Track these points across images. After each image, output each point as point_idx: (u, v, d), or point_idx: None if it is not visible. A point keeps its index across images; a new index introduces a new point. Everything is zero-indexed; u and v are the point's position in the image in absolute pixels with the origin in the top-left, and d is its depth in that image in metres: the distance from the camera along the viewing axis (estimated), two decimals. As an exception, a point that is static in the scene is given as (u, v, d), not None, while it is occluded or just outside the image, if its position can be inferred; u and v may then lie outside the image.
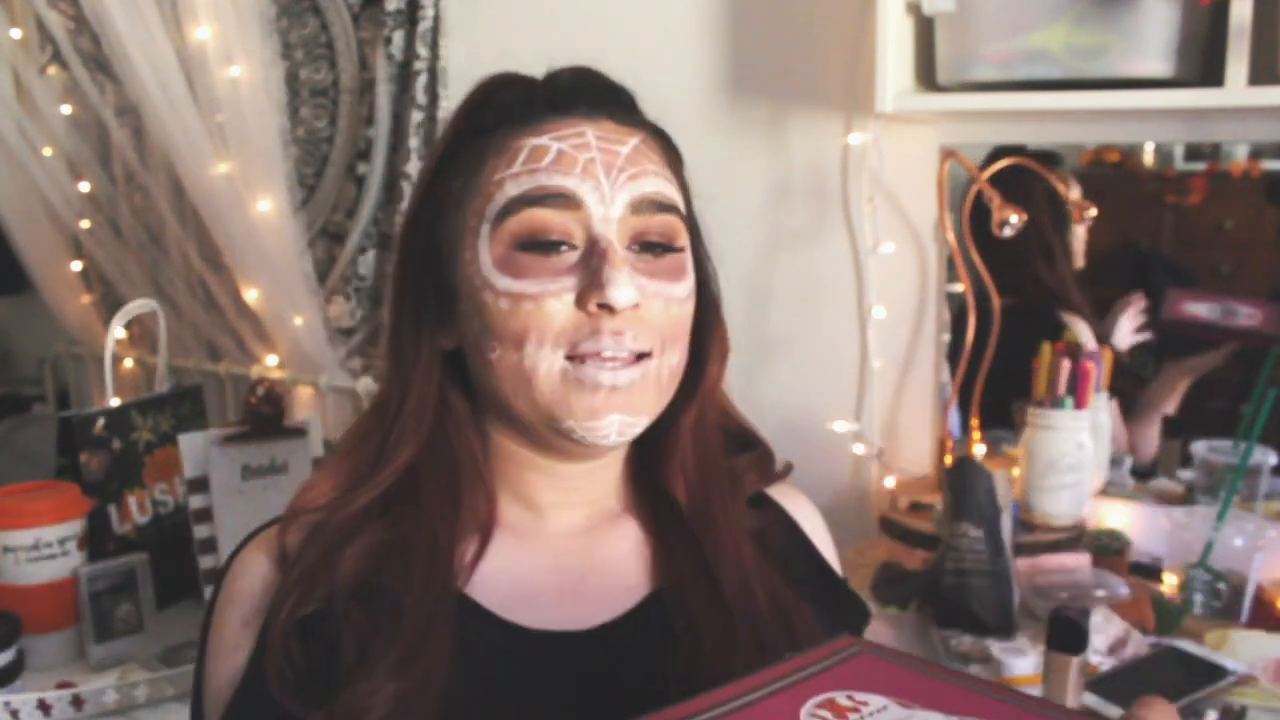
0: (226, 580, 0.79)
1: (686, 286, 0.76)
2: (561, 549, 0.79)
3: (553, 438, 0.74)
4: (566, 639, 0.75)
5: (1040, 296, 1.76)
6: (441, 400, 0.78)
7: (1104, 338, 1.73)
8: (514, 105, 0.75)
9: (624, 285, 0.70)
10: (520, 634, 0.74)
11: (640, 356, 0.72)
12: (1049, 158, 1.70)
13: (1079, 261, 1.73)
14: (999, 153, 1.67)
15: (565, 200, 0.72)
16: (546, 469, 0.78)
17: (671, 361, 0.75)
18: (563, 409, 0.72)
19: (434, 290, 0.77)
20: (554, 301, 0.71)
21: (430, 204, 0.78)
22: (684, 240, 0.76)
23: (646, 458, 0.82)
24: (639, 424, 0.74)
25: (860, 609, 0.89)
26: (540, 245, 0.72)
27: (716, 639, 0.75)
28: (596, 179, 0.72)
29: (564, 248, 0.72)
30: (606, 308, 0.70)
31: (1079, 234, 1.72)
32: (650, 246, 0.74)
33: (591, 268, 0.71)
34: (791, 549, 0.86)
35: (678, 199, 0.76)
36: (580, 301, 0.71)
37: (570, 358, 0.71)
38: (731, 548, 0.79)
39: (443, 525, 0.75)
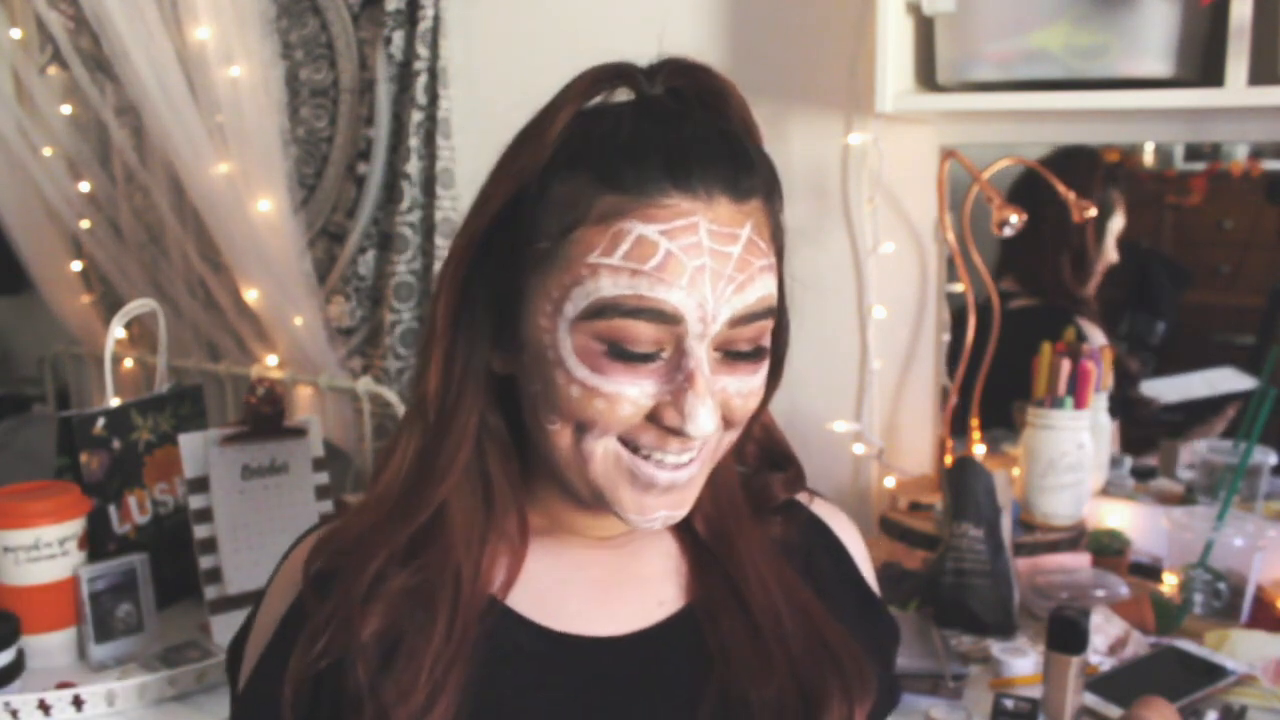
0: (285, 565, 0.79)
1: (765, 370, 0.73)
2: (595, 558, 0.79)
3: (598, 506, 0.72)
4: (594, 644, 0.75)
5: (1061, 297, 1.76)
6: (483, 427, 0.75)
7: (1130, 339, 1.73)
8: (618, 159, 0.66)
9: (705, 419, 0.66)
10: (549, 637, 0.74)
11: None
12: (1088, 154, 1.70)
13: (1112, 256, 1.73)
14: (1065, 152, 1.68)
15: (667, 317, 0.66)
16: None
17: (732, 437, 0.74)
18: (612, 496, 0.70)
19: (493, 322, 0.73)
20: (629, 406, 0.67)
21: (504, 236, 0.71)
22: (769, 333, 0.72)
23: None
24: (685, 511, 0.73)
25: (893, 631, 0.88)
26: (630, 356, 0.67)
27: (747, 659, 0.75)
28: (703, 294, 0.66)
29: (654, 356, 0.67)
30: (683, 434, 0.67)
31: (1112, 230, 1.72)
32: (739, 354, 0.70)
33: (676, 383, 0.67)
34: (837, 572, 0.85)
35: (774, 290, 0.71)
36: (654, 414, 0.68)
37: (625, 443, 0.69)
38: (755, 569, 0.78)
39: (467, 563, 0.73)
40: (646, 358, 0.67)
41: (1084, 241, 1.70)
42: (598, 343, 0.67)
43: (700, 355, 0.67)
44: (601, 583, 0.78)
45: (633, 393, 0.67)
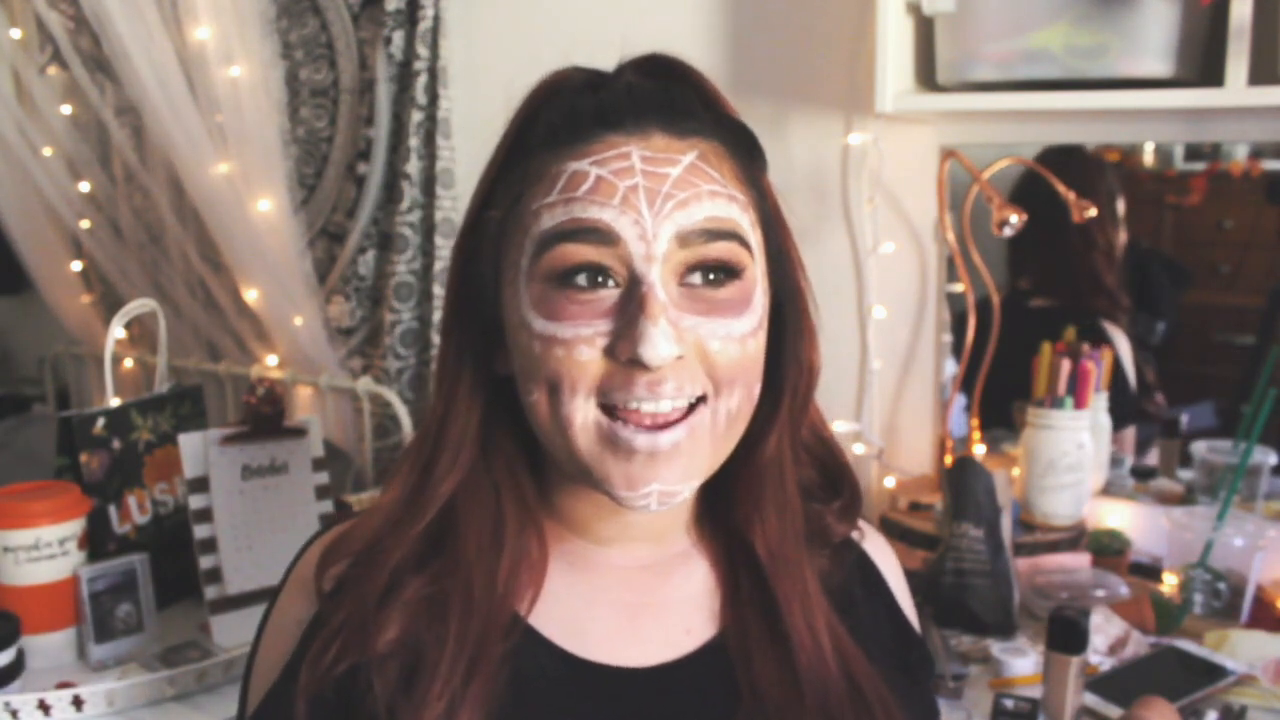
0: (299, 565, 0.78)
1: (752, 320, 0.69)
2: (621, 582, 0.76)
3: (595, 491, 0.70)
4: (620, 675, 0.73)
5: (1084, 297, 1.75)
6: (486, 432, 0.74)
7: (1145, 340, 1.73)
8: (558, 123, 0.69)
9: (659, 340, 0.64)
10: (573, 663, 0.72)
11: (691, 406, 0.67)
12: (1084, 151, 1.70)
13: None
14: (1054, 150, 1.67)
15: (601, 235, 0.65)
16: (603, 503, 0.72)
17: (731, 405, 0.68)
18: (600, 470, 0.67)
19: (484, 319, 0.73)
20: (585, 348, 0.66)
21: (477, 231, 0.73)
22: (748, 265, 0.69)
23: (718, 492, 0.77)
24: (684, 490, 0.69)
25: (929, 665, 0.86)
26: (575, 283, 0.66)
27: (779, 703, 0.72)
28: (637, 210, 0.65)
29: (603, 284, 0.66)
30: (639, 362, 0.65)
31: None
32: (707, 275, 0.67)
33: (629, 314, 0.65)
34: (873, 603, 0.83)
35: (740, 220, 0.69)
36: (612, 351, 0.66)
37: (604, 407, 0.67)
38: (804, 604, 0.75)
39: (479, 569, 0.71)
40: (594, 281, 0.66)
41: (1110, 239, 1.70)
42: (547, 283, 0.67)
43: (653, 280, 0.65)
44: (628, 606, 0.75)
45: (587, 332, 0.66)
